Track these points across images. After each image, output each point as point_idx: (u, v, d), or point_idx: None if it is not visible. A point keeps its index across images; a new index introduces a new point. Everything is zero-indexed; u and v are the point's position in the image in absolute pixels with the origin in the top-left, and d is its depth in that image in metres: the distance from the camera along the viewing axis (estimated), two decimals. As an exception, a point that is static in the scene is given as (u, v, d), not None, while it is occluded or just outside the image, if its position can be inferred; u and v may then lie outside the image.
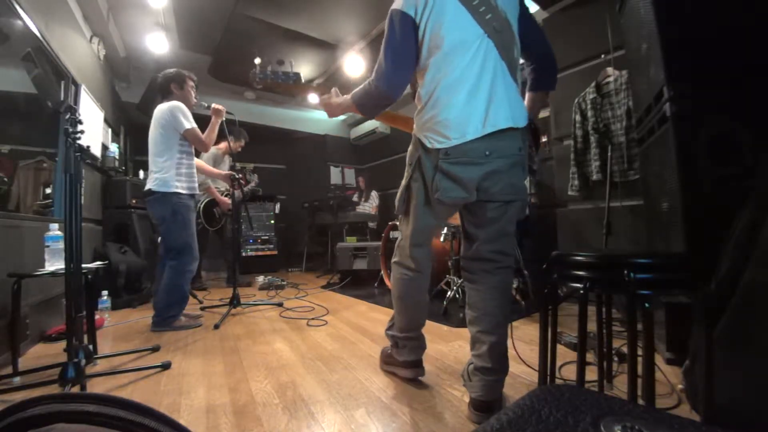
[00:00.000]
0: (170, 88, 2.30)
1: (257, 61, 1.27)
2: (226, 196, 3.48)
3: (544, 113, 3.38)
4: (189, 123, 2.24)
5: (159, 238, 3.20)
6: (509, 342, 1.21)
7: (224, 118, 2.49)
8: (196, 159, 2.52)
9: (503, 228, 1.18)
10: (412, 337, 1.37)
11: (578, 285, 0.94)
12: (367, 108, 1.27)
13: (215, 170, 2.99)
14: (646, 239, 1.93)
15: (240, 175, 2.82)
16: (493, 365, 1.12)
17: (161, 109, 2.24)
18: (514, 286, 2.68)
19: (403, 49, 1.13)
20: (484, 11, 1.06)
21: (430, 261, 1.33)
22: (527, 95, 1.26)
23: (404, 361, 1.39)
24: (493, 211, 1.16)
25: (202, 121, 2.37)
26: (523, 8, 1.16)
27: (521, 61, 1.20)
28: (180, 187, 2.22)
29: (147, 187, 2.22)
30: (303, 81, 1.44)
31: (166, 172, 2.19)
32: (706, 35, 1.32)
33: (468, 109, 1.07)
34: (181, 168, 2.25)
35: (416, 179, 1.20)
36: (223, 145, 3.57)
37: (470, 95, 1.07)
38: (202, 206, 3.45)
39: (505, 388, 1.30)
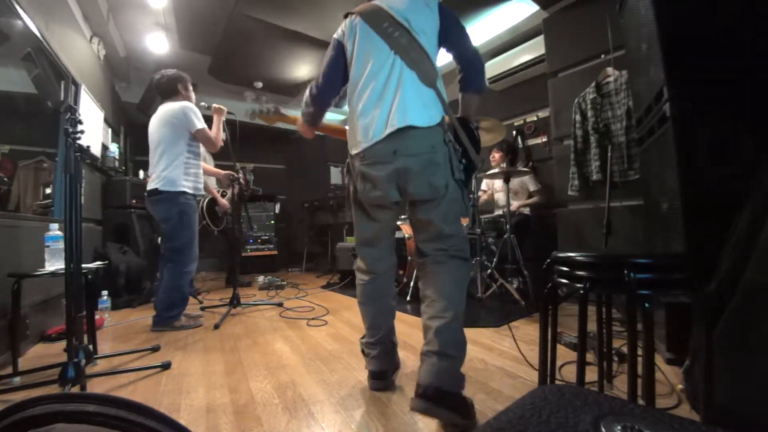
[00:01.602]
0: (177, 89, 2.30)
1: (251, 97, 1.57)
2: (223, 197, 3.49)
3: (543, 113, 3.39)
4: (201, 123, 2.24)
5: (159, 239, 3.21)
6: (511, 342, 1.21)
7: (225, 118, 2.50)
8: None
9: (440, 231, 1.20)
10: (374, 343, 1.34)
11: (578, 285, 0.94)
12: (305, 116, 1.45)
13: (214, 170, 2.99)
14: (646, 239, 1.93)
15: (240, 175, 2.82)
16: (439, 348, 1.08)
17: (171, 108, 2.22)
18: (514, 286, 2.68)
19: (330, 65, 1.33)
20: (392, 31, 1.20)
21: (388, 263, 1.37)
22: (460, 97, 1.34)
23: (369, 370, 1.36)
24: (423, 212, 1.22)
25: (207, 120, 2.37)
26: (445, 21, 1.25)
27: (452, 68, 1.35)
28: (187, 187, 2.22)
29: (152, 186, 2.19)
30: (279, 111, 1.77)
31: (173, 171, 2.18)
32: (706, 35, 1.31)
33: (374, 115, 1.19)
34: (189, 168, 2.25)
35: (349, 184, 1.33)
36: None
37: (377, 103, 1.20)
38: (204, 205, 3.45)
39: (505, 388, 1.31)
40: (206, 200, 3.47)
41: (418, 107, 1.17)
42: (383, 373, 1.34)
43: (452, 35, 1.27)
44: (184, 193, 2.20)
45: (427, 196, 1.18)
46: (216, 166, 3.21)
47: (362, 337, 1.44)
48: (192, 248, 2.26)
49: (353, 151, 1.26)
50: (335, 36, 1.34)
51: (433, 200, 1.19)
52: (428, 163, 1.16)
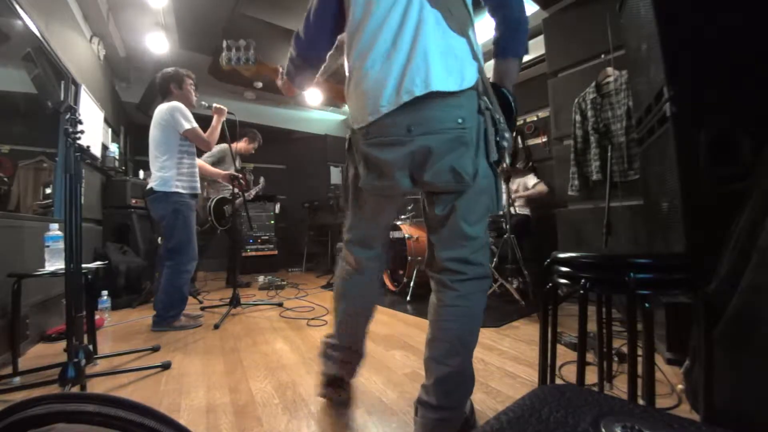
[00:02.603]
0: (170, 88, 2.31)
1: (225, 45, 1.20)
2: (232, 196, 3.49)
3: (543, 113, 3.38)
4: (188, 123, 2.24)
5: (159, 238, 3.21)
6: (511, 342, 1.19)
7: (225, 118, 2.50)
8: (198, 159, 2.52)
9: (459, 229, 0.93)
10: (336, 345, 1.17)
11: (578, 285, 0.94)
12: (291, 75, 1.16)
13: (214, 170, 2.99)
14: (646, 239, 1.93)
15: (241, 175, 2.82)
16: (437, 401, 0.91)
17: (160, 109, 2.24)
18: (514, 286, 2.68)
19: (321, 5, 1.01)
20: None
21: (381, 264, 1.16)
22: (494, 64, 1.04)
23: (321, 371, 1.19)
24: (440, 206, 0.94)
25: (204, 120, 2.37)
26: None
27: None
28: (181, 187, 2.23)
29: (148, 186, 2.24)
30: (262, 61, 1.29)
31: (167, 172, 2.20)
32: (706, 35, 1.31)
33: (383, 75, 0.88)
34: (182, 168, 2.26)
35: (350, 166, 1.06)
36: (238, 145, 3.63)
37: (386, 58, 0.88)
38: (212, 204, 3.45)
39: (505, 388, 1.31)
40: (214, 200, 3.47)
41: (444, 63, 0.86)
42: (339, 381, 1.16)
43: None
44: (177, 192, 2.21)
45: (450, 186, 0.90)
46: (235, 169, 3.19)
47: (328, 336, 1.23)
48: (190, 247, 2.27)
49: (355, 126, 0.98)
50: None
51: (457, 191, 0.92)
52: (455, 143, 0.87)
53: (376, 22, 0.90)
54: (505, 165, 3.20)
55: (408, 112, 0.87)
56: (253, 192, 4.07)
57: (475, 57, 0.90)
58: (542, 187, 3.16)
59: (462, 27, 0.89)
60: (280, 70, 1.22)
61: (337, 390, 1.19)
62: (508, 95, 1.01)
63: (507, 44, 1.00)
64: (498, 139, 0.92)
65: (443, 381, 0.93)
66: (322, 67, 1.16)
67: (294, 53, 1.10)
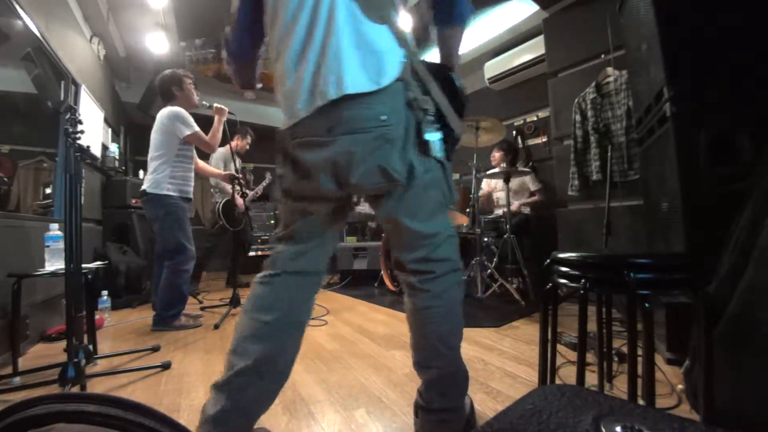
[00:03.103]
0: (172, 92, 2.31)
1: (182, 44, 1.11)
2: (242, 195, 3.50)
3: (543, 113, 3.38)
4: (189, 128, 2.25)
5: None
6: (511, 342, 1.19)
7: (226, 118, 2.50)
8: (199, 162, 2.53)
9: (410, 230, 0.87)
10: (242, 372, 0.83)
11: (578, 285, 0.94)
12: (232, 76, 1.10)
13: (214, 171, 2.99)
14: (646, 239, 1.93)
15: (240, 175, 2.82)
16: (434, 404, 0.91)
17: (161, 115, 2.26)
18: (514, 286, 2.68)
19: (243, 3, 0.97)
20: None
21: (311, 266, 0.97)
22: (434, 33, 0.95)
23: (206, 414, 0.81)
24: (383, 209, 0.88)
25: (205, 120, 2.37)
26: None
27: None
28: (171, 190, 2.24)
29: (143, 187, 2.25)
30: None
31: (159, 174, 2.21)
32: (706, 35, 1.32)
33: (297, 76, 0.82)
34: (175, 171, 2.27)
35: (279, 165, 0.97)
36: (233, 144, 3.61)
37: (299, 58, 0.82)
38: (221, 207, 3.45)
39: (505, 388, 1.31)
40: (222, 202, 3.47)
41: (359, 60, 0.79)
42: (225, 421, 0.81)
43: None
44: (168, 195, 2.23)
45: (381, 187, 0.83)
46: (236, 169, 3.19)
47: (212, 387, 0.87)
48: (185, 247, 2.27)
49: (282, 128, 0.92)
50: None
51: (392, 191, 0.85)
52: (378, 141, 0.80)
53: (287, 19, 0.83)
54: (503, 165, 3.21)
55: (325, 114, 0.81)
56: (260, 189, 4.08)
57: (400, 44, 0.82)
58: (541, 197, 3.18)
59: (382, 12, 0.81)
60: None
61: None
62: (453, 79, 0.92)
63: (447, 4, 0.89)
64: (432, 130, 0.83)
65: (434, 384, 0.92)
66: (260, 62, 1.09)
67: (225, 54, 1.04)
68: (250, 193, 3.85)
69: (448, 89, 0.88)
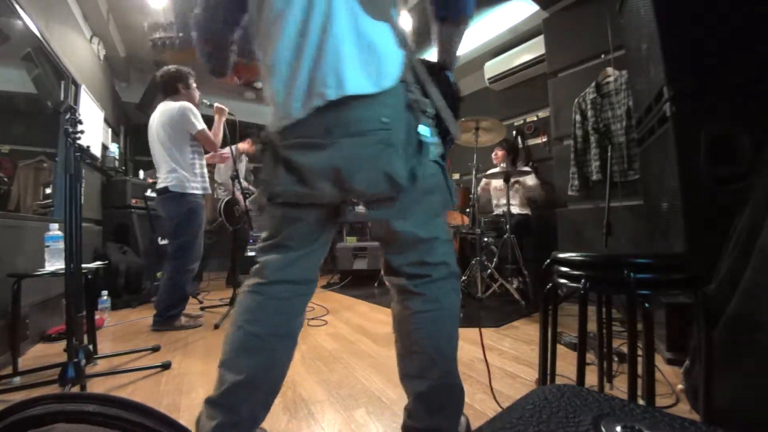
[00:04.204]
0: (178, 88, 2.29)
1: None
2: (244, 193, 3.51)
3: (543, 113, 3.38)
4: (200, 124, 2.25)
5: (159, 239, 3.21)
6: (511, 342, 1.18)
7: (226, 118, 2.49)
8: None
9: (407, 234, 0.83)
10: (227, 408, 0.81)
11: (578, 285, 0.94)
12: (202, 55, 0.99)
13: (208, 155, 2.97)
14: (646, 239, 1.93)
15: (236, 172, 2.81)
16: (422, 424, 0.81)
17: (170, 109, 2.22)
18: (514, 286, 2.68)
19: None
20: None
21: (303, 276, 0.92)
22: (433, 29, 0.91)
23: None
24: (380, 212, 0.84)
25: (206, 120, 2.37)
26: None
27: None
28: (196, 188, 2.25)
29: (162, 184, 2.21)
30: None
31: (181, 172, 2.20)
32: (707, 35, 1.32)
33: (290, 75, 0.77)
34: (195, 168, 2.27)
35: (266, 169, 0.89)
36: (241, 145, 3.63)
37: (294, 55, 0.76)
38: (222, 205, 3.45)
39: (505, 388, 1.31)
40: (224, 201, 3.47)
41: (360, 60, 0.74)
42: None
43: None
44: (193, 194, 2.23)
45: (384, 192, 0.79)
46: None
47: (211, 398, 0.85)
48: (196, 246, 2.27)
49: (271, 128, 0.85)
50: None
51: (393, 197, 0.81)
52: (381, 145, 0.76)
53: (277, 10, 0.77)
54: (503, 165, 3.21)
55: (324, 114, 0.76)
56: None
57: (400, 43, 0.78)
58: (541, 191, 3.16)
59: (382, 9, 0.77)
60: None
61: None
62: (450, 79, 0.90)
63: (444, 2, 0.84)
64: (433, 132, 0.81)
65: (424, 398, 0.82)
66: (234, 49, 1.00)
67: (194, 35, 0.94)
68: (252, 191, 3.85)
69: (444, 89, 0.85)
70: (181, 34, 0.98)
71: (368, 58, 0.75)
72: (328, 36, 0.74)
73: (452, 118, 0.85)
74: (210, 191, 2.41)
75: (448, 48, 0.91)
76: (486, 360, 1.24)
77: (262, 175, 0.89)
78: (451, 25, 0.87)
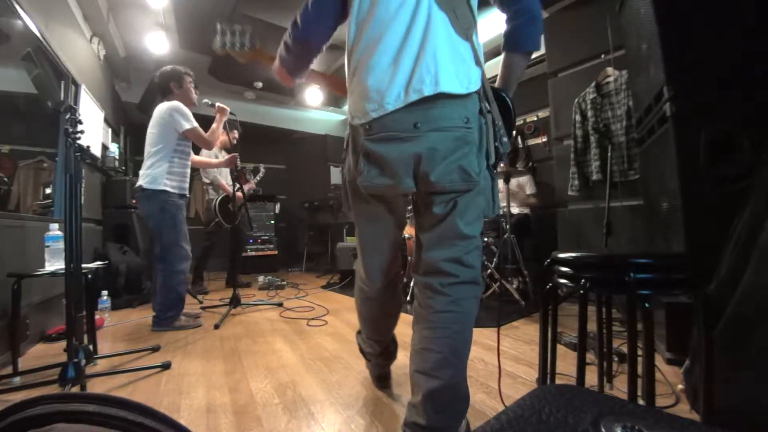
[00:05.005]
0: (170, 87, 2.30)
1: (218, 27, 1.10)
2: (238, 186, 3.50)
3: (543, 113, 3.38)
4: (188, 123, 2.23)
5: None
6: (511, 342, 1.19)
7: (227, 118, 2.50)
8: (195, 156, 2.51)
9: (454, 227, 0.91)
10: (373, 354, 1.30)
11: (578, 285, 0.94)
12: (285, 61, 1.09)
13: (213, 161, 2.98)
14: (646, 239, 1.93)
15: (239, 169, 2.81)
16: (427, 421, 0.83)
17: (160, 109, 2.24)
18: (514, 286, 2.68)
19: None
20: None
21: (393, 272, 1.11)
22: (503, 58, 1.02)
23: (372, 374, 1.39)
24: (440, 206, 0.92)
25: (205, 119, 2.37)
26: None
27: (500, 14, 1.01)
28: (169, 186, 2.21)
29: (138, 183, 2.22)
30: (259, 47, 1.20)
31: (156, 169, 2.18)
32: (706, 35, 1.32)
33: (390, 72, 0.87)
34: (173, 167, 2.24)
35: (346, 164, 1.00)
36: (223, 137, 3.61)
37: (396, 54, 0.87)
38: (217, 203, 3.45)
39: (505, 387, 1.31)
40: (218, 199, 3.47)
41: (453, 66, 0.86)
42: (384, 376, 1.34)
43: None
44: (165, 191, 2.19)
45: (457, 185, 0.88)
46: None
47: (359, 332, 1.37)
48: (179, 246, 2.24)
49: (356, 121, 0.93)
50: None
51: (459, 191, 0.90)
52: (460, 141, 0.86)
53: (386, 15, 0.88)
54: (502, 165, 3.21)
55: (414, 110, 0.86)
56: (253, 182, 4.09)
57: (477, 62, 0.90)
58: (537, 201, 3.19)
59: (467, 31, 0.89)
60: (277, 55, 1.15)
61: (389, 381, 1.35)
62: (507, 100, 1.00)
63: (520, 37, 0.97)
64: (497, 143, 0.93)
65: (433, 397, 0.84)
66: (317, 58, 1.11)
67: (289, 39, 1.04)
68: (246, 187, 3.83)
69: (504, 110, 0.97)
70: (247, 37, 1.07)
71: (459, 66, 0.87)
72: (428, 42, 0.86)
73: (506, 134, 0.96)
74: (187, 192, 2.35)
75: (511, 75, 1.01)
76: (499, 362, 1.24)
77: (345, 170, 1.01)
78: (526, 57, 1.00)
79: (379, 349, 1.28)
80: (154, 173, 2.18)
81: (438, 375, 0.85)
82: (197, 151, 2.90)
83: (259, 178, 4.22)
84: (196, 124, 2.26)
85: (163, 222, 2.20)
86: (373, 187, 0.94)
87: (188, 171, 2.38)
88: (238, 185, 2.77)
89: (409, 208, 1.28)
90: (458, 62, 0.87)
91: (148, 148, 2.24)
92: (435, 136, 0.86)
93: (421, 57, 0.85)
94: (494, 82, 1.02)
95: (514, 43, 0.98)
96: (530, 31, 0.96)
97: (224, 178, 3.53)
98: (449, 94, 0.85)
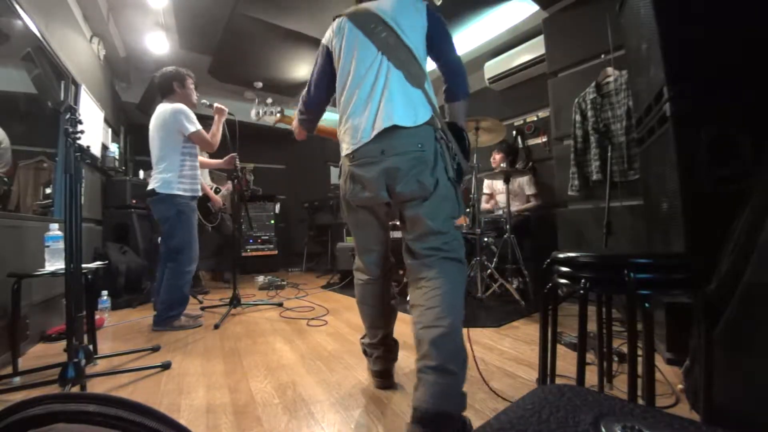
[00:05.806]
0: (173, 87, 2.30)
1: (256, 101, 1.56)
2: (216, 192, 3.50)
3: (543, 113, 3.39)
4: (194, 126, 2.24)
5: (159, 239, 3.21)
6: (511, 342, 1.19)
7: (226, 118, 2.50)
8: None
9: (426, 226, 1.14)
10: (375, 345, 1.38)
11: (578, 285, 0.94)
12: (302, 122, 1.49)
13: (213, 161, 2.98)
14: (646, 239, 1.93)
15: (239, 170, 2.81)
16: (437, 363, 0.97)
17: (163, 111, 2.23)
18: (514, 286, 2.68)
19: (319, 72, 1.35)
20: (379, 31, 1.20)
21: (385, 268, 1.35)
22: (446, 106, 1.32)
23: (371, 370, 1.41)
24: (410, 210, 1.17)
25: (204, 120, 2.37)
26: (433, 25, 1.24)
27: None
28: (182, 189, 2.23)
29: (150, 187, 2.22)
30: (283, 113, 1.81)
31: (168, 173, 2.19)
32: (706, 35, 1.31)
33: (362, 116, 1.19)
34: (183, 170, 2.26)
35: (341, 186, 1.31)
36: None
37: (365, 104, 1.19)
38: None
39: (505, 387, 1.31)
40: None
41: (404, 107, 1.15)
42: (387, 372, 1.37)
43: (438, 41, 1.26)
44: (179, 195, 2.21)
45: (417, 193, 1.14)
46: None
47: (362, 337, 1.48)
48: (191, 248, 2.27)
49: (344, 152, 1.25)
50: (323, 41, 1.35)
51: (421, 197, 1.15)
52: (417, 162, 1.12)
53: (358, 76, 1.21)
54: (503, 165, 3.22)
55: (380, 141, 1.14)
56: (230, 187, 4.08)
57: (429, 103, 1.18)
58: (538, 202, 3.20)
59: (418, 82, 1.18)
60: (295, 119, 1.55)
61: (390, 380, 1.38)
62: (461, 131, 1.29)
63: (453, 92, 1.29)
64: (453, 162, 1.20)
65: (438, 342, 1.00)
66: (322, 116, 1.51)
67: (303, 108, 1.45)
68: (223, 188, 3.79)
69: (458, 138, 1.26)
70: (278, 108, 1.81)
71: (408, 107, 1.16)
72: (386, 93, 1.17)
73: (462, 156, 1.25)
74: (199, 193, 2.38)
75: (457, 116, 1.31)
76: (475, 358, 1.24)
77: (341, 190, 1.31)
78: (464, 101, 1.31)
79: (380, 336, 1.37)
80: (167, 177, 2.19)
81: (439, 325, 1.02)
82: None
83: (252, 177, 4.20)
84: (200, 127, 2.27)
85: (179, 224, 2.22)
86: (358, 200, 1.24)
87: (198, 172, 2.39)
88: (215, 186, 2.77)
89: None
90: (408, 105, 1.16)
91: (156, 151, 2.24)
92: (397, 158, 1.13)
93: (382, 103, 1.16)
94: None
95: (452, 95, 1.30)
96: (457, 83, 1.28)
97: (204, 178, 3.52)
98: (402, 127, 1.13)
